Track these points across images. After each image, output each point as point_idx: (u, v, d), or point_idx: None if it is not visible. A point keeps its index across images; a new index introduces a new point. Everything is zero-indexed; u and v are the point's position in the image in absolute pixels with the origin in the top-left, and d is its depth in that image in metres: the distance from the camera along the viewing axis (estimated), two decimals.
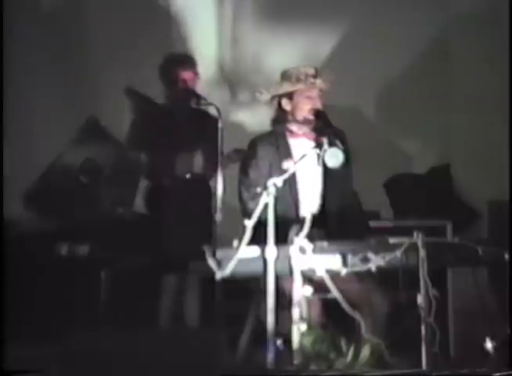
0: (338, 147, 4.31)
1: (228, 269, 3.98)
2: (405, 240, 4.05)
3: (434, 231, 4.26)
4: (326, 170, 4.31)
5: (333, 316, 4.18)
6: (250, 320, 4.39)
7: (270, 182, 4.04)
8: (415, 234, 4.05)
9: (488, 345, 4.03)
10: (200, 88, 5.60)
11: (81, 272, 5.81)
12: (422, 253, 4.02)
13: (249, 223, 3.98)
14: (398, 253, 4.02)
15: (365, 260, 4.03)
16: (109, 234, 5.96)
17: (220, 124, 5.08)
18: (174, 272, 5.43)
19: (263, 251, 3.99)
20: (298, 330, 3.95)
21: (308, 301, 4.02)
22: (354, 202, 4.82)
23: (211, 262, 4.03)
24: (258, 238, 4.02)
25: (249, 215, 4.05)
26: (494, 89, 6.23)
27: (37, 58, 6.51)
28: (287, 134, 4.76)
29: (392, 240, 4.09)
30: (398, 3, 6.59)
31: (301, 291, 4.00)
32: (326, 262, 4.04)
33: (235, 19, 6.77)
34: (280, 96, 4.74)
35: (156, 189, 5.54)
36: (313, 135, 4.72)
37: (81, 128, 6.59)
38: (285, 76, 4.73)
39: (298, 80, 4.68)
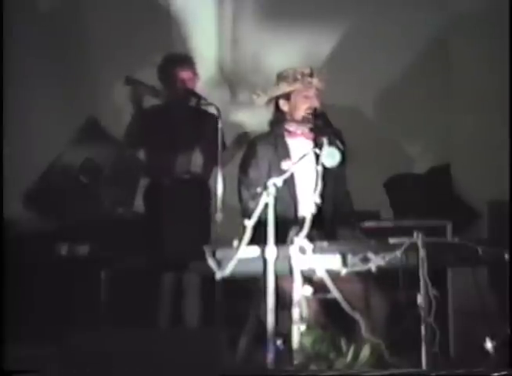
0: (337, 147, 4.31)
1: (228, 269, 3.98)
2: (405, 240, 4.05)
3: (434, 231, 4.25)
4: (325, 170, 4.30)
5: (333, 316, 4.18)
6: (250, 320, 4.39)
7: (270, 182, 4.04)
8: (415, 234, 4.05)
9: (488, 345, 4.03)
10: (200, 88, 5.60)
11: (81, 272, 5.82)
12: (422, 253, 4.02)
13: (249, 223, 3.98)
14: (398, 253, 4.02)
15: (365, 260, 4.03)
16: (109, 234, 5.97)
17: (220, 124, 5.09)
18: (174, 273, 5.43)
19: (263, 251, 3.99)
20: (298, 330, 3.95)
21: (308, 301, 4.02)
22: (348, 202, 4.84)
23: (211, 262, 4.03)
24: (258, 238, 4.02)
25: (249, 215, 4.05)
26: (494, 89, 6.22)
27: (37, 58, 6.51)
28: (286, 134, 4.77)
29: (392, 240, 4.09)
30: (398, 3, 6.58)
31: (301, 291, 4.00)
32: (326, 262, 4.04)
33: (235, 19, 6.77)
34: (277, 97, 4.75)
35: (155, 188, 5.54)
36: (312, 134, 4.73)
37: (81, 128, 6.60)
38: (281, 77, 4.74)
39: (295, 80, 4.69)
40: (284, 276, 4.05)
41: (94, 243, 5.97)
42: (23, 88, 6.39)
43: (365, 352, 3.91)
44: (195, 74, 5.56)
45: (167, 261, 5.35)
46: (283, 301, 4.04)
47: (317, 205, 4.16)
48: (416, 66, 6.60)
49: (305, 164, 4.50)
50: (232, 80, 6.72)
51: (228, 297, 4.23)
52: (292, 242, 4.05)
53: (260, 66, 6.59)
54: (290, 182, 4.54)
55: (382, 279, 4.20)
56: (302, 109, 4.71)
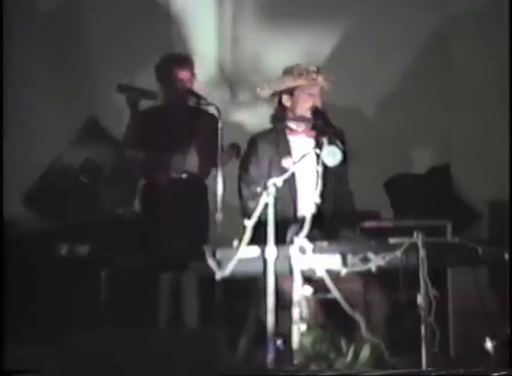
0: (337, 146, 4.31)
1: (228, 269, 3.98)
2: (405, 240, 4.05)
3: (434, 231, 4.25)
4: (325, 170, 4.30)
5: (333, 316, 4.18)
6: (250, 320, 4.39)
7: (270, 182, 4.04)
8: (415, 234, 4.05)
9: (488, 344, 4.03)
10: (200, 88, 5.60)
11: (81, 272, 5.81)
12: (422, 253, 4.02)
13: (249, 223, 3.98)
14: (398, 253, 4.02)
15: (365, 260, 4.03)
16: (109, 234, 5.96)
17: (220, 124, 5.09)
18: (174, 273, 5.43)
19: (263, 251, 3.99)
20: (298, 330, 3.95)
21: (308, 301, 4.02)
22: (349, 203, 4.84)
23: (211, 262, 4.02)
24: (258, 238, 4.02)
25: (249, 214, 4.05)
26: (494, 88, 6.22)
27: (37, 58, 6.51)
28: (287, 131, 4.78)
29: (392, 240, 4.09)
30: (398, 2, 6.58)
31: (300, 291, 3.99)
32: (326, 262, 4.04)
33: (235, 19, 6.77)
34: (281, 92, 4.76)
35: (155, 188, 5.53)
36: (313, 133, 4.73)
37: (81, 128, 6.60)
38: (287, 71, 4.76)
39: (300, 75, 4.71)
40: (284, 276, 4.05)
41: (94, 243, 5.96)
42: (23, 88, 6.39)
43: (365, 352, 3.91)
44: (193, 73, 5.56)
45: (167, 261, 5.35)
46: (283, 301, 4.04)
47: (317, 205, 4.16)
48: (416, 66, 6.60)
49: (306, 164, 4.50)
50: (232, 80, 6.72)
51: (228, 297, 4.23)
52: (291, 241, 4.05)
53: (260, 66, 6.59)
54: (290, 182, 4.54)
55: (382, 279, 4.20)
56: (304, 106, 4.72)
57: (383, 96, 6.67)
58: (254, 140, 4.81)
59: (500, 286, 4.29)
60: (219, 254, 4.04)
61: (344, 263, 4.05)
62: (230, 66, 6.76)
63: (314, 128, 4.72)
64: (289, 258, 4.01)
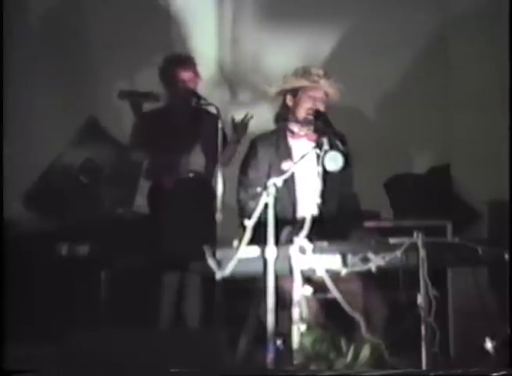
0: (339, 149, 4.31)
1: (228, 269, 3.98)
2: (405, 240, 4.05)
3: (434, 231, 4.25)
4: (326, 171, 4.30)
5: (333, 316, 4.18)
6: (250, 320, 4.39)
7: (270, 182, 4.04)
8: (415, 234, 4.05)
9: (488, 344, 4.03)
10: (200, 88, 5.60)
11: (81, 272, 5.81)
12: (422, 253, 4.02)
13: (249, 223, 3.98)
14: (398, 253, 4.02)
15: (365, 260, 4.03)
16: (109, 234, 5.96)
17: (220, 124, 5.09)
18: (175, 273, 5.43)
19: (263, 251, 3.99)
20: (298, 330, 3.95)
21: (308, 301, 4.02)
22: (351, 204, 4.84)
23: (211, 262, 4.02)
24: (258, 238, 4.02)
25: (245, 216, 4.05)
26: (494, 89, 6.22)
27: (37, 58, 6.51)
28: (288, 134, 4.78)
29: (392, 240, 4.09)
30: (398, 2, 6.58)
31: (301, 291, 3.99)
32: (326, 262, 4.04)
33: (235, 19, 6.77)
34: (286, 92, 4.76)
35: (157, 189, 5.53)
36: (314, 136, 4.73)
37: (81, 128, 6.60)
38: (294, 72, 4.78)
39: (303, 76, 4.73)
40: (284, 276, 4.05)
41: (94, 243, 5.96)
42: (23, 88, 6.38)
43: (365, 352, 3.91)
44: (196, 74, 5.56)
45: (167, 261, 5.35)
46: (283, 301, 4.04)
47: (318, 205, 4.16)
48: (416, 66, 6.60)
49: (306, 165, 4.50)
50: (232, 80, 6.72)
51: (228, 297, 4.23)
52: (285, 242, 4.06)
53: (260, 66, 6.59)
54: (289, 183, 4.54)
55: (382, 279, 4.20)
56: (304, 108, 4.74)
57: (383, 97, 6.67)
58: (254, 143, 4.82)
59: (500, 286, 4.29)
60: (219, 254, 4.04)
61: (344, 263, 4.05)
62: (230, 66, 6.76)
63: (315, 131, 4.73)
64: (289, 258, 4.02)
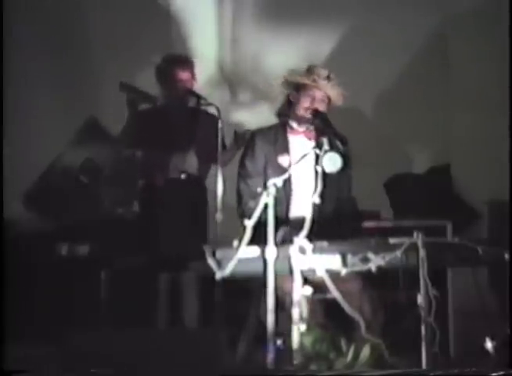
0: (338, 149, 4.31)
1: (228, 269, 3.98)
2: (405, 240, 4.05)
3: (434, 231, 4.25)
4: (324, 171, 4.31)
5: (333, 316, 4.18)
6: (250, 320, 4.39)
7: (270, 182, 4.04)
8: (415, 234, 4.05)
9: (488, 344, 4.03)
10: (200, 88, 5.60)
11: (81, 272, 5.81)
12: (422, 253, 4.02)
13: (249, 223, 3.98)
14: (398, 253, 4.02)
15: (365, 260, 4.03)
16: (109, 234, 5.96)
17: (220, 124, 5.09)
18: (175, 273, 5.43)
19: (263, 251, 3.99)
20: (298, 330, 3.95)
21: (308, 301, 4.02)
22: (349, 206, 4.84)
23: (211, 262, 4.02)
24: (258, 238, 4.02)
25: (245, 209, 4.06)
26: (494, 89, 6.22)
27: (37, 58, 6.51)
28: (288, 129, 4.82)
29: (392, 240, 4.09)
30: (398, 2, 6.58)
31: (301, 291, 3.99)
32: (326, 262, 4.04)
33: (235, 19, 6.77)
34: (291, 87, 4.82)
35: (152, 188, 5.53)
36: (313, 134, 4.75)
37: (81, 128, 6.59)
38: (299, 68, 4.83)
39: (305, 74, 4.75)
40: (284, 276, 4.05)
41: (94, 243, 5.96)
42: (23, 88, 6.38)
43: (366, 352, 3.91)
44: (193, 74, 5.56)
45: (167, 261, 5.35)
46: (283, 301, 4.04)
47: (317, 206, 4.16)
48: (416, 66, 6.60)
49: (304, 164, 4.51)
50: (232, 80, 6.72)
51: (228, 297, 4.23)
52: (280, 242, 4.06)
53: (260, 66, 6.59)
54: (285, 183, 4.55)
55: (382, 279, 4.20)
56: (303, 106, 4.76)
57: (383, 96, 6.67)
58: (253, 135, 4.87)
59: (500, 286, 4.29)
60: (219, 254, 4.04)
61: (344, 263, 4.04)
62: (230, 67, 6.76)
63: (315, 129, 4.74)
64: (289, 258, 4.01)
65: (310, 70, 4.79)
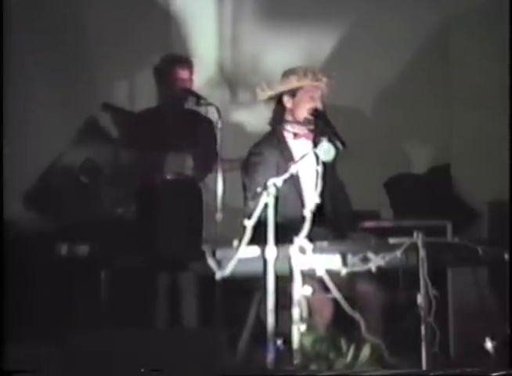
0: (336, 147, 4.31)
1: (228, 269, 3.98)
2: (405, 240, 4.05)
3: (434, 231, 4.25)
4: (325, 169, 4.30)
5: (333, 316, 4.18)
6: (250, 320, 4.39)
7: (270, 182, 4.04)
8: (415, 234, 4.05)
9: (488, 345, 4.03)
10: (200, 88, 5.60)
11: (81, 272, 5.82)
12: (422, 253, 4.02)
13: (249, 223, 3.98)
14: (398, 253, 4.02)
15: (365, 260, 4.03)
16: (109, 234, 5.96)
17: (220, 124, 5.09)
18: (175, 273, 5.43)
19: (263, 251, 3.99)
20: (298, 330, 3.95)
21: (308, 301, 4.02)
22: (345, 204, 4.84)
23: (211, 262, 4.02)
24: (258, 238, 4.02)
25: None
26: (494, 89, 6.22)
27: (37, 58, 6.51)
28: (287, 135, 4.76)
29: (392, 240, 4.09)
30: (398, 2, 6.58)
31: (301, 291, 3.99)
32: (326, 262, 4.04)
33: (235, 19, 6.77)
34: (282, 94, 4.74)
35: (148, 189, 5.53)
36: (312, 135, 4.73)
37: (81, 128, 6.59)
38: (290, 72, 4.72)
39: (305, 75, 4.69)
40: (284, 276, 4.05)
41: (94, 243, 5.97)
42: (23, 88, 6.38)
43: (366, 352, 3.91)
44: (192, 74, 5.55)
45: (167, 261, 5.35)
46: (283, 301, 4.04)
47: (317, 205, 4.16)
48: (417, 65, 6.61)
49: (306, 164, 4.50)
50: (232, 80, 6.72)
51: (228, 297, 4.23)
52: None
53: (260, 66, 6.59)
54: (295, 183, 4.55)
55: (382, 279, 4.20)
56: (305, 108, 4.71)
57: (383, 96, 6.67)
58: (259, 149, 4.73)
59: (500, 286, 4.29)
60: (219, 254, 4.04)
61: (344, 263, 4.04)
62: (230, 67, 6.76)
63: (315, 130, 4.72)
64: (289, 258, 4.01)
65: (306, 71, 4.72)
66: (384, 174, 6.57)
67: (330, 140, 4.33)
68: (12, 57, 6.14)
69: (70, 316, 5.58)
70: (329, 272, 4.00)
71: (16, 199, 6.34)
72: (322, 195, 4.19)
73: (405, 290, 4.05)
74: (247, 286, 4.30)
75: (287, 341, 3.95)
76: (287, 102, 4.73)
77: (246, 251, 4.01)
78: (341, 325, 4.04)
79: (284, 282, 4.04)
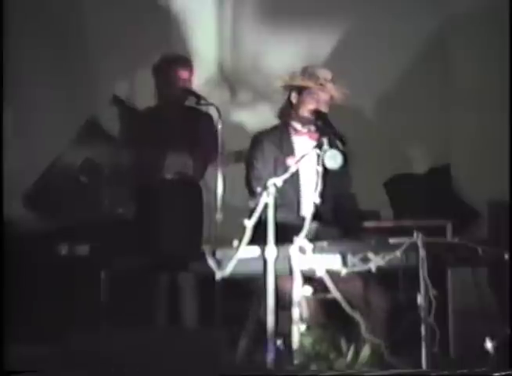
0: (338, 149, 4.32)
1: (228, 269, 3.98)
2: (405, 240, 4.05)
3: (434, 231, 4.26)
4: (326, 170, 4.31)
5: (333, 316, 4.18)
6: (250, 320, 4.39)
7: (270, 182, 4.04)
8: (415, 234, 4.05)
9: (488, 345, 4.03)
10: (200, 88, 5.60)
11: (81, 272, 5.81)
12: (422, 253, 4.02)
13: (249, 223, 3.98)
14: (398, 253, 4.02)
15: (365, 260, 4.04)
16: (109, 234, 5.96)
17: (220, 124, 5.09)
18: (174, 273, 5.43)
19: (263, 251, 3.99)
20: (298, 330, 3.95)
21: (308, 301, 4.02)
22: (349, 205, 4.84)
23: (211, 262, 4.02)
24: (258, 238, 4.02)
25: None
26: (494, 89, 6.22)
27: (37, 58, 6.51)
28: (291, 130, 4.81)
29: (392, 240, 4.09)
30: (398, 3, 6.58)
31: (301, 291, 3.99)
32: (326, 262, 4.04)
33: (235, 19, 6.76)
34: (292, 88, 4.78)
35: (147, 189, 5.53)
36: (316, 135, 4.75)
37: (81, 128, 6.59)
38: (302, 71, 4.81)
39: (310, 77, 4.74)
40: (284, 276, 4.05)
41: (94, 243, 5.96)
42: (24, 88, 6.38)
43: (366, 352, 3.91)
44: (191, 73, 5.55)
45: (167, 261, 5.35)
46: (283, 301, 4.04)
47: (317, 205, 4.16)
48: (416, 66, 6.60)
49: (308, 164, 4.51)
50: (232, 80, 6.71)
51: (228, 297, 4.23)
52: (312, 238, 4.06)
53: (260, 66, 6.59)
54: (295, 182, 4.56)
55: (382, 279, 4.20)
56: (307, 108, 4.76)
57: (383, 96, 6.67)
58: (259, 138, 4.83)
59: (500, 286, 4.29)
60: (219, 254, 4.05)
61: (344, 263, 4.05)
62: (230, 66, 6.75)
63: (318, 129, 4.75)
64: (289, 258, 4.01)
65: (314, 74, 4.77)
66: (384, 174, 6.57)
67: (331, 142, 4.34)
68: (13, 57, 6.15)
69: (70, 316, 5.58)
70: (330, 272, 4.00)
71: (16, 199, 6.33)
72: (322, 195, 4.19)
73: (405, 290, 4.05)
74: (247, 286, 4.30)
75: (287, 341, 3.95)
76: (294, 98, 4.82)
77: (246, 251, 4.01)
78: (341, 325, 4.04)
79: (284, 282, 4.05)
